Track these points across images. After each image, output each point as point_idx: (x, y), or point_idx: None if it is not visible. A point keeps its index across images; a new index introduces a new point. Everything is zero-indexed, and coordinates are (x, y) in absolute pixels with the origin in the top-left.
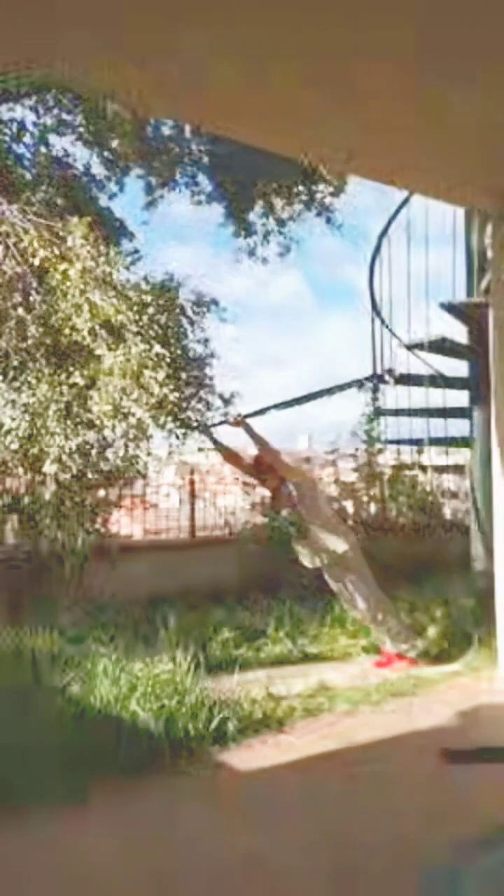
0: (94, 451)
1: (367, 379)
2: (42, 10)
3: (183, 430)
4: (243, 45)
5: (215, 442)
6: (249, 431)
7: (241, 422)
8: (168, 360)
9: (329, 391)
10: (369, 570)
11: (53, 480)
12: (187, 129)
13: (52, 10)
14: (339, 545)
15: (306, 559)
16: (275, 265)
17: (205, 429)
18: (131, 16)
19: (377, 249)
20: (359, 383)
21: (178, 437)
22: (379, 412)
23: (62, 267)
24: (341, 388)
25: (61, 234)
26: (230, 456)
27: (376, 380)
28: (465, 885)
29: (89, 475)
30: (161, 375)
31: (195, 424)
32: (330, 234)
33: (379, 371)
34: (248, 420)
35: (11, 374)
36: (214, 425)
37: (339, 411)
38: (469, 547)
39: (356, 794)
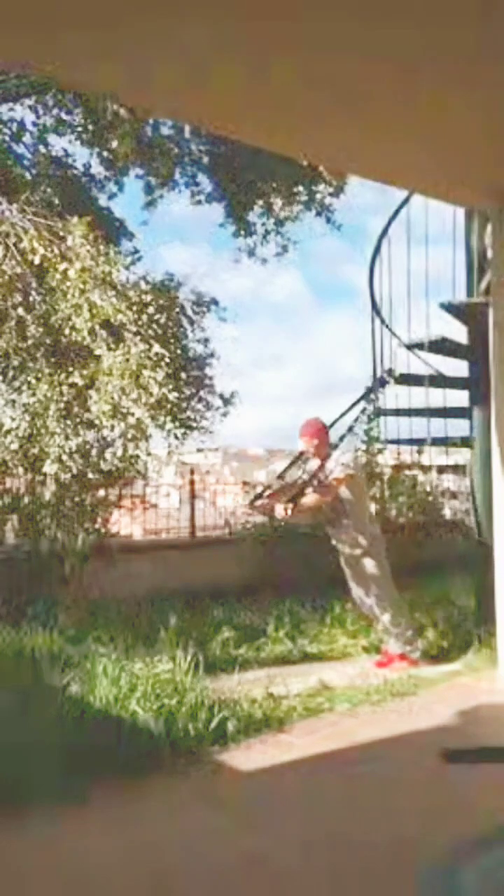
0: (94, 451)
1: (374, 386)
2: (41, 9)
3: (182, 430)
4: (243, 44)
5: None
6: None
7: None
8: (168, 359)
9: (364, 397)
10: (388, 567)
11: (53, 480)
12: (187, 129)
13: (52, 10)
14: (370, 535)
15: (343, 545)
16: (274, 265)
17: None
18: (131, 15)
19: (377, 249)
20: (370, 391)
21: (177, 437)
22: (379, 412)
23: (62, 267)
24: (367, 393)
25: (61, 233)
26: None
27: (378, 382)
28: (464, 884)
29: (89, 475)
30: (160, 375)
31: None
32: (330, 233)
33: (379, 371)
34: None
35: (11, 374)
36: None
37: (339, 411)
38: (469, 547)
39: (356, 793)
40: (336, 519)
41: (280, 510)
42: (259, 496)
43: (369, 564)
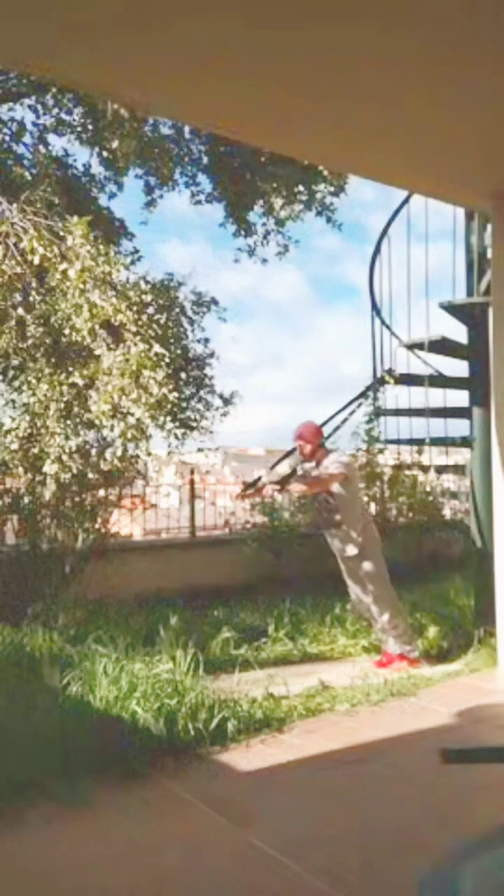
0: (94, 451)
1: (371, 386)
2: (43, 10)
3: (182, 430)
4: (241, 48)
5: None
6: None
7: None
8: (168, 359)
9: (355, 400)
10: (385, 568)
11: (53, 480)
12: (187, 129)
13: (54, 11)
14: (364, 536)
15: (338, 547)
16: (275, 264)
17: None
18: (132, 17)
19: (377, 249)
20: (367, 390)
21: (177, 437)
22: (379, 412)
23: (62, 267)
24: (357, 398)
25: (61, 233)
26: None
27: (378, 382)
28: (463, 884)
29: (89, 475)
30: (160, 375)
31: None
32: (331, 232)
33: (379, 371)
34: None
35: (11, 374)
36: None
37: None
38: (469, 547)
39: (357, 793)
40: (331, 521)
41: (268, 490)
42: (250, 486)
43: (366, 565)
